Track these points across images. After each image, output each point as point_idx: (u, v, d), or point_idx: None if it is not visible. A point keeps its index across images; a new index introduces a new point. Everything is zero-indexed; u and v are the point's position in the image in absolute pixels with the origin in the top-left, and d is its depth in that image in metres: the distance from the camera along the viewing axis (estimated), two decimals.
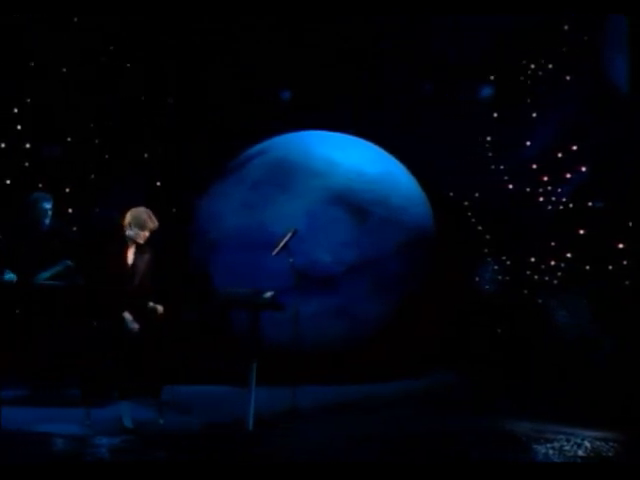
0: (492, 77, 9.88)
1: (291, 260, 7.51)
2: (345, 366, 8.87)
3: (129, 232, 7.24)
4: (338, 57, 9.95)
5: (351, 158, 9.18)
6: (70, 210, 9.66)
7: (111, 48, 10.04)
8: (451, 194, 10.13)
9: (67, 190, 9.99)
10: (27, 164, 10.03)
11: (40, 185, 9.82)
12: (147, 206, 7.40)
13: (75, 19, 9.88)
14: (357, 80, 9.93)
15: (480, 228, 10.15)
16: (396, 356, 9.07)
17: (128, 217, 7.26)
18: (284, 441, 6.81)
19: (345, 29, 9.89)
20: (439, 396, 8.44)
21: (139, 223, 7.22)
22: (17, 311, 8.37)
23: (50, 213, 8.49)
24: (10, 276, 8.26)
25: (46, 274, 8.12)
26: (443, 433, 6.97)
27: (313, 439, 6.87)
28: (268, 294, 7.25)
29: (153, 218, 7.27)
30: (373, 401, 8.17)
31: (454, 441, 6.72)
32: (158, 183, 10.22)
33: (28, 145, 10.04)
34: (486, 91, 9.92)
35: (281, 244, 7.57)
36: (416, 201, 9.31)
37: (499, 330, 9.78)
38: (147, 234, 7.26)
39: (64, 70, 10.01)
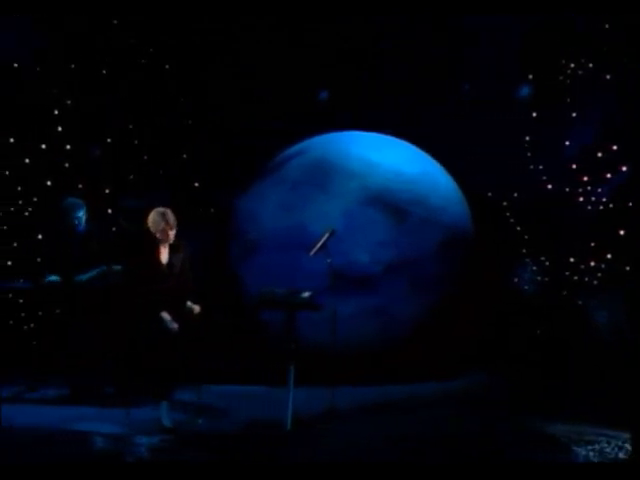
0: (531, 76, 9.79)
1: (329, 260, 7.49)
2: (382, 366, 8.84)
3: (155, 234, 7.27)
4: (376, 57, 9.91)
5: (389, 158, 9.15)
6: (110, 211, 9.72)
7: (150, 50, 10.10)
8: (489, 194, 10.06)
9: (106, 191, 10.06)
10: (67, 165, 10.13)
11: (80, 186, 9.90)
12: (186, 206, 7.41)
13: (114, 21, 9.96)
14: (395, 80, 9.88)
15: (519, 228, 10.07)
16: (434, 356, 9.02)
17: (148, 221, 7.30)
18: (322, 441, 6.79)
19: (382, 30, 9.85)
20: (477, 397, 8.38)
21: (156, 226, 7.25)
22: (58, 311, 8.46)
23: (83, 219, 8.55)
24: (52, 278, 8.34)
25: (83, 277, 8.19)
26: (481, 434, 6.91)
27: (351, 439, 6.84)
28: (306, 294, 7.25)
29: (167, 215, 7.26)
30: (411, 401, 8.13)
31: (492, 441, 6.66)
32: (196, 184, 10.26)
33: (68, 146, 10.13)
34: (525, 91, 9.83)
35: (319, 244, 7.56)
36: (454, 201, 9.26)
37: (538, 331, 9.69)
38: (170, 232, 7.26)
39: (103, 72, 10.08)
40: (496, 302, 9.64)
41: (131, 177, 10.16)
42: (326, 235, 7.56)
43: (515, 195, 10.06)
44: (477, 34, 9.69)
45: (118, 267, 8.18)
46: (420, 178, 9.09)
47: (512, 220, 10.09)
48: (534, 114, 9.83)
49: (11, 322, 9.94)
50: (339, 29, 9.84)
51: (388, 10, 9.45)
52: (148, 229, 7.32)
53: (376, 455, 6.39)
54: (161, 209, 7.30)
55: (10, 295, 9.63)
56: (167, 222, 7.23)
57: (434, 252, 8.91)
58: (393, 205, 8.87)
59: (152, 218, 7.28)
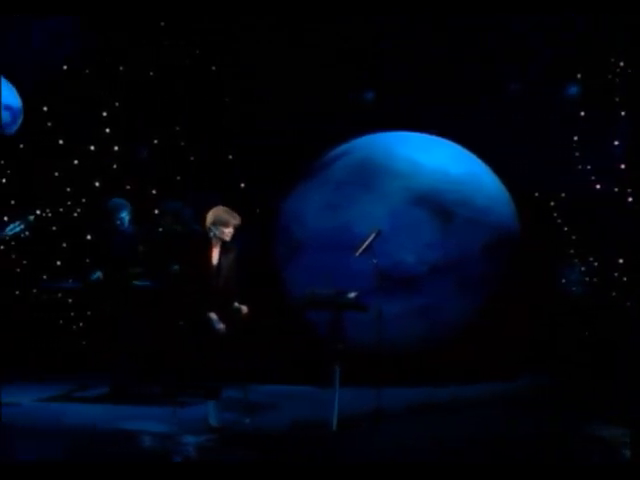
0: (579, 75, 9.70)
1: (374, 261, 7.47)
2: (428, 367, 8.81)
3: (214, 232, 7.28)
4: (422, 56, 9.87)
5: (435, 159, 9.11)
6: (156, 211, 9.79)
7: (196, 51, 10.16)
8: (536, 194, 9.98)
9: (153, 192, 10.15)
10: (115, 166, 10.23)
11: (128, 187, 10.00)
12: (231, 207, 7.44)
13: (161, 23, 10.04)
14: (441, 80, 9.84)
15: (566, 229, 9.97)
16: (480, 357, 8.97)
17: (210, 217, 7.28)
18: (368, 442, 6.79)
19: (428, 29, 9.82)
20: (525, 398, 8.32)
21: (222, 221, 7.25)
22: (106, 310, 8.55)
23: (127, 220, 8.62)
24: (98, 275, 8.43)
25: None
26: (528, 435, 6.86)
27: (397, 440, 6.83)
28: (352, 295, 7.24)
29: (234, 214, 7.30)
30: (458, 402, 8.09)
31: (539, 443, 6.61)
32: (242, 184, 10.30)
33: (116, 148, 10.23)
34: (573, 89, 9.74)
35: (365, 245, 7.54)
36: (501, 201, 9.19)
37: (586, 332, 9.60)
38: (232, 231, 7.29)
39: (151, 74, 10.16)
40: (543, 303, 9.57)
41: (178, 178, 10.24)
42: (372, 236, 7.54)
43: (563, 195, 9.96)
44: (525, 33, 9.61)
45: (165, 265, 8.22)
46: (466, 178, 9.03)
47: (559, 220, 10.00)
48: (582, 113, 9.74)
49: (61, 322, 10.09)
50: (385, 29, 9.82)
51: (433, 9, 9.42)
52: (201, 228, 7.34)
53: (422, 455, 6.36)
54: (224, 207, 7.32)
55: (59, 295, 9.77)
56: (235, 220, 7.26)
57: (480, 253, 8.86)
58: (439, 205, 8.82)
59: (219, 214, 7.25)
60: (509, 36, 9.66)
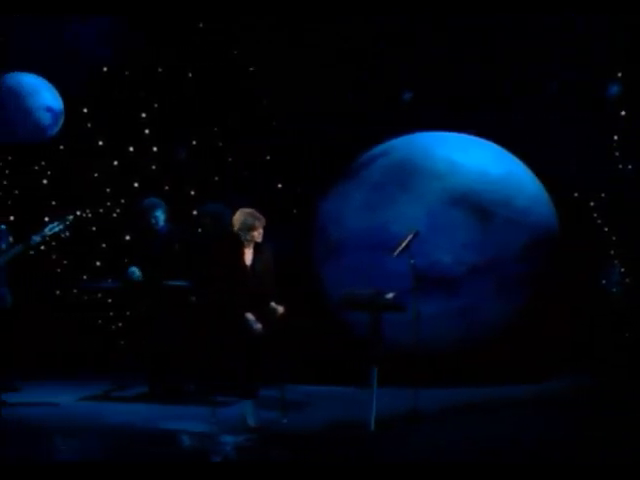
0: (620, 74, 9.60)
1: (412, 261, 7.44)
2: (466, 368, 8.76)
3: (243, 236, 7.30)
4: (459, 57, 9.82)
5: (473, 159, 9.03)
6: (194, 212, 9.83)
7: (234, 52, 10.19)
8: (576, 194, 9.89)
9: (192, 192, 10.19)
10: (154, 167, 10.29)
11: (166, 187, 10.05)
12: (269, 207, 7.45)
13: (199, 24, 10.08)
14: (480, 79, 9.78)
15: (606, 229, 9.87)
16: (519, 358, 8.90)
17: (235, 223, 7.32)
18: (406, 442, 6.76)
19: (464, 29, 9.77)
20: (563, 398, 8.24)
21: (247, 225, 7.27)
22: (142, 309, 8.60)
23: (161, 219, 8.65)
24: (136, 275, 8.48)
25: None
26: (565, 436, 6.79)
27: (435, 440, 6.79)
28: (390, 295, 7.22)
29: (257, 215, 7.30)
30: (495, 403, 8.03)
31: (577, 444, 6.54)
32: (280, 185, 10.31)
33: (155, 149, 10.29)
34: (613, 89, 9.64)
35: (403, 245, 7.51)
36: (540, 202, 9.10)
37: (626, 334, 9.50)
38: (261, 232, 7.30)
39: (189, 75, 10.21)
40: (583, 304, 9.47)
41: (216, 179, 10.27)
42: (410, 236, 7.52)
43: (602, 195, 9.87)
44: (564, 31, 9.52)
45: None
46: (505, 178, 8.96)
47: (599, 221, 9.90)
48: (623, 112, 9.64)
49: (100, 322, 10.17)
50: (423, 29, 9.78)
51: (470, 9, 9.39)
52: (234, 230, 7.37)
53: (459, 456, 6.32)
54: (248, 209, 7.34)
55: (99, 295, 9.85)
56: (258, 221, 7.27)
57: (519, 253, 8.78)
58: (477, 206, 8.76)
59: (242, 219, 7.30)
60: (548, 34, 9.58)
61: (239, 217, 7.31)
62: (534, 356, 9.04)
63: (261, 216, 7.31)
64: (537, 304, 8.92)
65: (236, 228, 7.32)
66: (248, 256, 7.33)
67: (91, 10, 9.13)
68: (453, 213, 8.75)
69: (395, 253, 7.51)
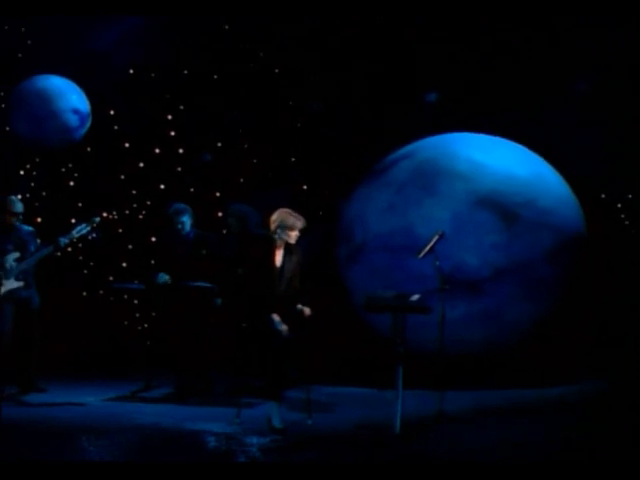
0: None
1: (437, 263, 7.41)
2: (492, 370, 8.72)
3: (280, 235, 7.29)
4: (484, 57, 9.78)
5: (498, 160, 8.98)
6: (220, 214, 9.86)
7: (260, 54, 10.20)
8: (603, 195, 9.82)
9: (217, 194, 10.21)
10: (180, 169, 10.32)
11: (192, 189, 10.08)
12: (293, 209, 7.43)
13: (225, 26, 10.11)
14: (505, 80, 9.74)
15: (634, 231, 9.80)
16: (544, 361, 8.86)
17: (275, 220, 7.26)
18: (431, 443, 6.73)
19: (491, 30, 9.73)
20: (588, 401, 8.18)
21: (288, 224, 7.25)
22: (169, 311, 8.63)
23: (187, 224, 8.68)
24: (164, 278, 8.51)
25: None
26: (591, 438, 6.73)
27: (461, 442, 6.76)
28: (415, 297, 7.19)
29: (299, 216, 7.28)
30: (521, 405, 7.98)
31: (602, 446, 6.48)
32: (304, 186, 10.31)
33: (181, 151, 10.33)
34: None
35: (428, 247, 7.49)
36: (566, 203, 9.04)
37: None
38: (297, 233, 7.28)
39: (215, 77, 10.24)
40: (610, 306, 9.41)
41: (241, 181, 10.29)
42: (435, 238, 7.49)
43: (629, 196, 9.80)
44: (592, 31, 9.45)
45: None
46: (531, 180, 8.90)
47: (627, 222, 9.83)
48: None
49: (126, 322, 10.21)
50: (448, 31, 9.75)
51: (497, 12, 9.37)
52: (270, 229, 7.35)
53: (488, 457, 6.28)
54: (288, 209, 7.32)
55: (125, 296, 9.89)
56: (300, 222, 7.26)
57: (545, 255, 8.73)
58: (503, 207, 8.71)
59: (284, 217, 7.24)
60: (576, 34, 9.52)
61: (278, 216, 7.27)
62: (559, 359, 8.98)
63: (302, 219, 7.28)
64: (563, 306, 8.86)
65: (273, 227, 7.27)
66: (278, 257, 7.31)
67: (118, 10, 9.17)
68: (478, 215, 8.70)
69: (420, 255, 7.49)
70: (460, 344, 8.32)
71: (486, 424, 7.37)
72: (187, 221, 8.64)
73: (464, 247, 8.59)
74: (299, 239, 7.33)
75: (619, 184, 9.63)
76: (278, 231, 7.24)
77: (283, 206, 7.39)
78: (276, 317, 7.15)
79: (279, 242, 7.28)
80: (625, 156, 9.44)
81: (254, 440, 6.69)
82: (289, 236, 7.24)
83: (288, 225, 7.22)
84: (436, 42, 9.80)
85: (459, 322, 8.34)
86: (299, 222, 7.25)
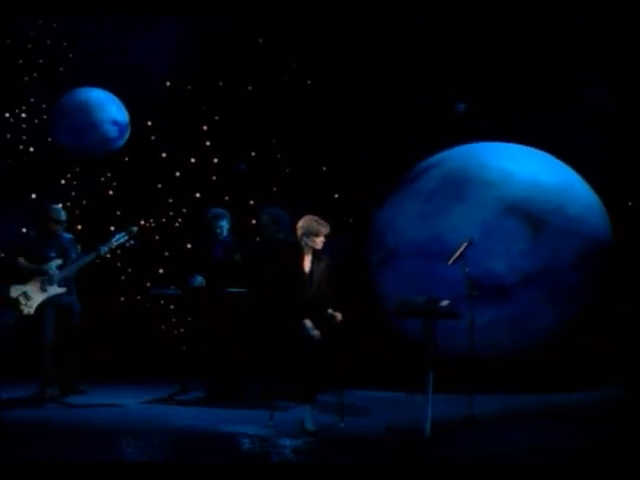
0: None
1: (466, 269, 7.39)
2: (519, 375, 8.66)
3: (306, 241, 7.29)
4: (511, 68, 9.73)
5: (527, 168, 8.92)
6: (253, 222, 9.87)
7: (293, 66, 10.22)
8: (630, 203, 9.72)
9: (251, 202, 10.23)
10: (215, 178, 10.36)
11: (226, 198, 10.11)
12: (325, 216, 7.44)
13: (259, 40, 10.14)
14: (533, 89, 9.68)
15: None
16: (571, 367, 8.78)
17: (301, 227, 7.28)
18: (461, 446, 6.70)
19: (517, 40, 9.68)
20: (614, 406, 8.09)
21: (313, 231, 7.25)
22: (205, 314, 8.65)
23: (225, 228, 8.73)
24: (199, 280, 8.55)
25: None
26: (617, 441, 6.66)
27: (490, 445, 6.72)
28: (445, 302, 7.17)
29: (323, 222, 7.28)
30: (549, 409, 7.92)
31: (628, 449, 6.41)
32: (336, 195, 10.31)
33: (216, 160, 10.37)
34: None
35: (457, 253, 7.46)
36: (594, 211, 8.97)
37: None
38: (323, 239, 7.28)
39: (249, 88, 10.27)
40: (636, 314, 9.30)
41: (274, 189, 10.31)
42: (464, 244, 7.46)
43: None
44: (614, 39, 9.36)
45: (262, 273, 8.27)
46: (558, 188, 8.84)
47: None
48: None
49: (163, 327, 10.25)
50: (476, 40, 9.72)
51: (524, 19, 9.33)
52: (294, 238, 7.37)
53: (517, 459, 6.24)
54: (313, 216, 7.32)
55: (162, 301, 9.93)
56: (323, 227, 7.26)
57: (573, 262, 8.67)
58: (531, 215, 8.66)
59: (308, 224, 7.26)
60: (600, 42, 9.43)
61: (304, 223, 7.28)
62: (586, 366, 8.90)
63: (327, 225, 7.28)
64: (590, 313, 8.78)
65: (299, 234, 7.29)
66: (307, 263, 7.32)
67: (154, 27, 9.25)
68: (507, 222, 8.66)
69: (450, 261, 7.47)
70: (488, 349, 8.26)
71: (514, 427, 7.32)
72: (225, 226, 8.71)
73: (493, 254, 8.54)
74: (326, 245, 7.33)
75: None
76: (304, 238, 7.26)
77: (314, 213, 7.40)
78: (308, 322, 7.16)
79: (307, 249, 7.28)
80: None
81: (287, 442, 6.69)
82: (315, 242, 7.25)
83: (313, 231, 7.23)
84: (466, 52, 9.76)
85: (487, 327, 8.29)
86: (324, 228, 7.25)
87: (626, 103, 9.45)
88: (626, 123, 9.34)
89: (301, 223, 7.29)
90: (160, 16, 9.46)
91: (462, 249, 7.44)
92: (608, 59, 9.46)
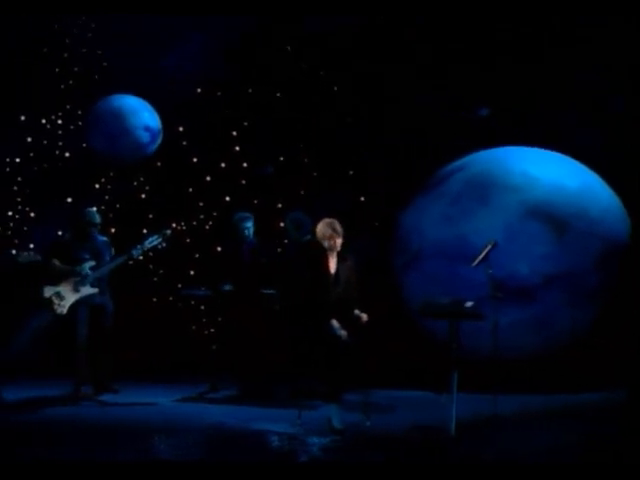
0: None
1: (490, 271, 7.35)
2: (541, 376, 8.60)
3: (325, 243, 7.31)
4: (532, 73, 9.68)
5: (549, 172, 8.89)
6: (281, 224, 9.88)
7: (320, 72, 10.22)
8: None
9: (279, 205, 10.24)
10: (244, 182, 10.38)
11: (255, 201, 10.13)
12: (351, 219, 7.43)
13: (287, 47, 10.16)
14: (552, 95, 9.62)
15: None
16: (593, 368, 8.71)
17: (317, 233, 7.33)
18: (485, 445, 6.66)
19: (538, 47, 9.62)
20: (635, 406, 8.01)
21: (326, 235, 7.27)
22: (234, 316, 8.67)
23: (252, 230, 8.75)
24: (228, 287, 8.57)
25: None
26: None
27: (514, 444, 6.68)
28: (469, 304, 7.13)
29: (335, 225, 7.26)
30: (570, 410, 7.86)
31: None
32: (362, 198, 10.30)
33: (245, 165, 10.39)
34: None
35: (481, 255, 7.43)
36: (615, 214, 8.90)
37: None
38: (338, 241, 7.28)
39: (277, 95, 10.28)
40: None
41: (301, 193, 10.31)
42: (488, 247, 7.43)
43: None
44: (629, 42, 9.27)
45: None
46: (581, 191, 8.79)
47: None
48: None
49: (193, 327, 10.28)
50: (501, 48, 9.67)
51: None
52: (317, 240, 7.38)
53: (540, 459, 6.19)
54: (328, 219, 7.35)
55: (192, 302, 9.96)
56: (334, 231, 7.27)
57: (595, 265, 8.61)
58: (554, 218, 8.61)
59: (321, 229, 7.31)
60: (622, 46, 9.35)
61: (319, 227, 7.33)
62: (607, 366, 8.82)
63: (339, 227, 7.28)
64: (611, 315, 8.72)
65: (318, 237, 7.33)
66: (332, 265, 7.33)
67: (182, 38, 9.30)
68: (530, 225, 8.62)
69: (474, 263, 7.43)
70: (512, 349, 8.22)
71: (537, 427, 7.27)
72: (251, 227, 8.75)
73: (516, 256, 8.50)
74: (351, 246, 7.33)
75: None
76: (323, 241, 7.27)
77: (339, 216, 7.41)
78: (335, 323, 7.15)
79: (330, 251, 7.29)
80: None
81: (315, 440, 6.68)
82: (332, 245, 7.25)
83: (327, 235, 7.25)
84: (490, 57, 9.71)
85: (511, 328, 8.24)
86: (334, 232, 7.24)
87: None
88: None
89: (317, 228, 7.34)
90: (190, 24, 9.51)
91: (486, 251, 7.40)
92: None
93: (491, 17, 9.37)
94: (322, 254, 7.29)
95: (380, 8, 9.39)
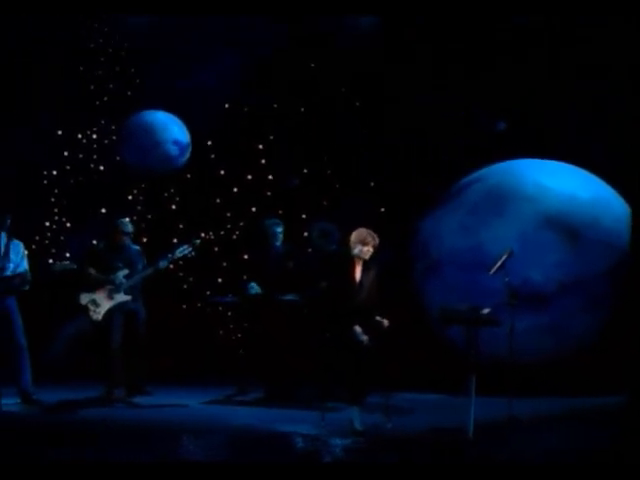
0: None
1: (507, 279, 7.31)
2: (556, 380, 8.53)
3: (355, 250, 7.30)
4: (549, 87, 9.61)
5: (563, 183, 8.85)
6: (305, 234, 9.87)
7: (342, 89, 10.21)
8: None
9: (303, 216, 10.24)
10: (269, 193, 10.39)
11: (280, 212, 10.13)
12: (372, 229, 7.43)
13: (311, 64, 10.16)
14: (567, 108, 9.55)
15: None
16: (605, 373, 8.62)
17: (352, 238, 7.32)
18: (503, 448, 6.61)
19: (554, 61, 9.56)
20: None
21: (361, 240, 7.27)
22: (261, 321, 8.66)
23: (281, 236, 8.75)
24: (255, 289, 8.56)
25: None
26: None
27: (531, 446, 6.61)
28: (486, 310, 7.10)
29: (373, 235, 7.29)
30: (585, 412, 7.79)
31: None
32: (382, 209, 10.28)
33: (270, 177, 10.40)
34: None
35: (498, 264, 7.39)
36: (627, 223, 8.82)
37: None
38: (370, 249, 7.27)
39: (302, 110, 10.29)
40: None
41: (324, 203, 10.30)
42: (505, 255, 7.39)
43: None
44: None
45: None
46: (593, 202, 8.74)
47: None
48: None
49: (221, 332, 10.29)
50: (517, 61, 9.62)
51: (558, 39, 9.21)
52: (344, 249, 7.37)
53: (556, 460, 6.13)
54: (366, 228, 7.34)
55: (220, 308, 9.97)
56: (372, 238, 7.27)
57: (606, 273, 8.55)
58: (567, 228, 8.57)
59: (359, 234, 7.30)
60: (631, 56, 9.24)
61: (357, 233, 7.33)
62: (620, 371, 8.73)
63: (376, 237, 7.29)
64: (624, 321, 8.63)
65: (352, 242, 7.33)
66: (357, 273, 7.33)
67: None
68: (544, 234, 8.58)
69: (491, 271, 7.39)
70: (527, 354, 8.16)
71: (552, 429, 7.21)
72: (281, 233, 8.75)
73: (530, 264, 8.46)
74: (375, 255, 7.31)
75: None
76: (356, 247, 7.26)
77: (362, 226, 7.41)
78: (358, 328, 7.13)
79: (357, 259, 7.29)
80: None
81: (338, 442, 6.65)
82: (362, 252, 7.26)
83: (362, 242, 7.25)
84: (505, 73, 9.66)
85: (526, 334, 8.16)
86: (372, 240, 7.26)
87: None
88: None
89: (354, 233, 7.35)
90: (217, 43, 9.55)
91: (503, 260, 7.36)
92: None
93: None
94: (348, 263, 7.30)
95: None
